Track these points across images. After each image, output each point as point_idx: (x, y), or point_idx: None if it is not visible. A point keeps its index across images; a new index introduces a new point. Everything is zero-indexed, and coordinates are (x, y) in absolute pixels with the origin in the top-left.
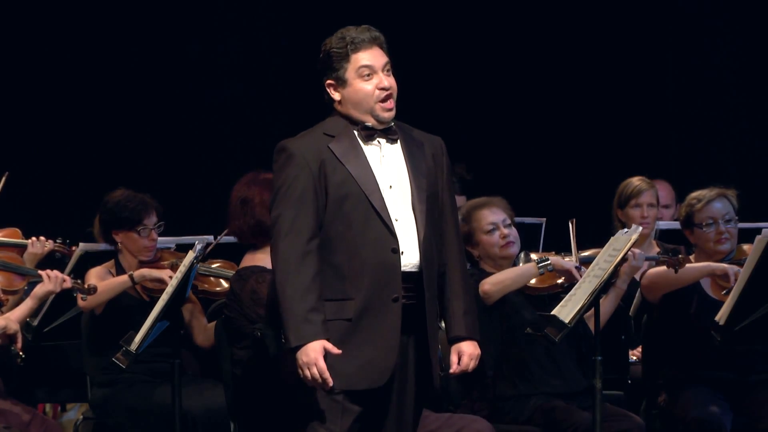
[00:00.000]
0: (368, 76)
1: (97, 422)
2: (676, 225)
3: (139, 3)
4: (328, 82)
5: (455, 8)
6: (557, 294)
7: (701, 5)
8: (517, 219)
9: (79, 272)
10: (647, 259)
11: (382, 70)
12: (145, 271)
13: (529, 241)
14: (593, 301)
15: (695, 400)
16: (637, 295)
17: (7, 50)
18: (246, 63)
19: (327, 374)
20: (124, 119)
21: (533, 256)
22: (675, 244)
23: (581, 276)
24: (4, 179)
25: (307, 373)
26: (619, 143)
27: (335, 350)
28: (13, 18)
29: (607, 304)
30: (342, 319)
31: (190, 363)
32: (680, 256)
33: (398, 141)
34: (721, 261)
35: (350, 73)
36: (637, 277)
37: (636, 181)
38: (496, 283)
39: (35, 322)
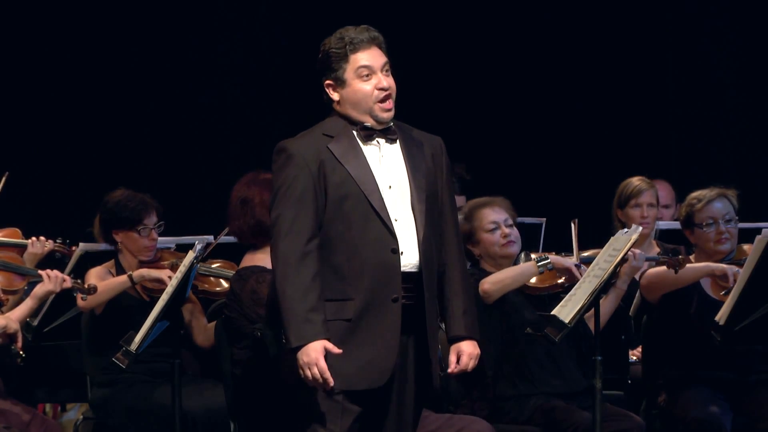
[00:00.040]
0: (367, 76)
1: (97, 422)
2: (676, 225)
3: (139, 3)
4: (327, 82)
5: (455, 8)
6: (557, 294)
7: (701, 5)
8: (518, 219)
9: (79, 272)
10: (647, 259)
11: (381, 71)
12: (144, 271)
13: (529, 241)
14: (593, 301)
15: (695, 400)
16: (637, 295)
17: (7, 50)
18: (246, 63)
19: (328, 374)
20: (124, 119)
21: (533, 256)
22: (675, 244)
23: (581, 274)
24: (4, 179)
25: (308, 373)
26: (619, 143)
27: (336, 350)
28: (13, 18)
29: (607, 305)
30: (342, 319)
31: (190, 363)
32: (680, 256)
33: (397, 141)
34: (722, 261)
35: (349, 73)
36: (636, 277)
37: (636, 181)
38: (495, 282)
39: (35, 322)
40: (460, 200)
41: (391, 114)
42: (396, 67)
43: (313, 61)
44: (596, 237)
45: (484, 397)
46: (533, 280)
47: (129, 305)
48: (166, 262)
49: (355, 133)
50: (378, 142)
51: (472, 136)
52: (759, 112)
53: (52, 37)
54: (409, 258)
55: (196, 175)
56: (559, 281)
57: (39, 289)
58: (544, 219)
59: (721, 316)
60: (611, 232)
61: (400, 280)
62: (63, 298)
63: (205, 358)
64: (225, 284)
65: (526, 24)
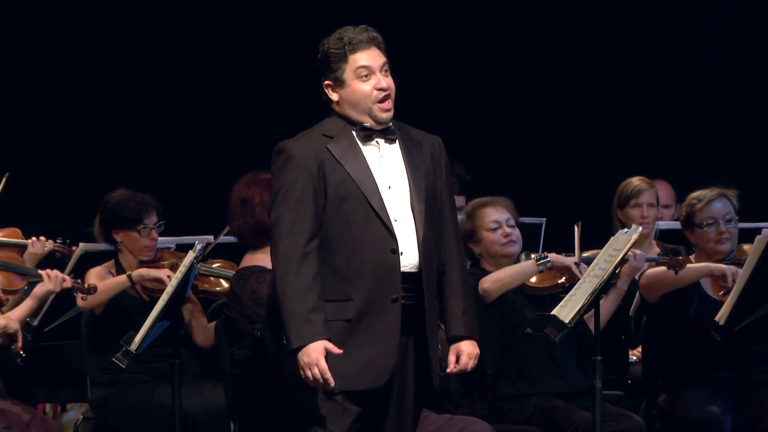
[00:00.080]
0: (366, 76)
1: (97, 422)
2: (676, 225)
3: (139, 3)
4: (326, 82)
5: (455, 8)
6: (557, 294)
7: (701, 6)
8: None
9: (79, 272)
10: (648, 260)
11: (380, 71)
12: (144, 271)
13: (529, 241)
14: (593, 301)
15: (695, 400)
16: (637, 295)
17: (7, 50)
18: (246, 63)
19: (328, 375)
20: (124, 119)
21: (533, 256)
22: (675, 244)
23: (581, 273)
24: (4, 180)
25: (309, 373)
26: (619, 143)
27: (336, 350)
28: (13, 18)
29: (607, 305)
30: (341, 319)
31: (190, 363)
32: (681, 257)
33: (397, 141)
34: (722, 261)
35: (348, 73)
36: (636, 277)
37: (636, 181)
38: (495, 280)
39: (35, 322)
40: (459, 200)
41: (390, 114)
42: (395, 67)
43: (313, 61)
44: (596, 237)
45: (484, 397)
46: (533, 279)
47: (129, 305)
48: (166, 262)
49: (354, 133)
50: (377, 143)
51: (472, 136)
52: (759, 112)
53: (52, 38)
54: (409, 258)
55: (196, 175)
56: (560, 281)
57: (39, 289)
58: (544, 219)
59: (721, 316)
60: (611, 232)
61: (399, 281)
62: (63, 298)
63: (205, 358)
64: (225, 284)
65: (526, 24)
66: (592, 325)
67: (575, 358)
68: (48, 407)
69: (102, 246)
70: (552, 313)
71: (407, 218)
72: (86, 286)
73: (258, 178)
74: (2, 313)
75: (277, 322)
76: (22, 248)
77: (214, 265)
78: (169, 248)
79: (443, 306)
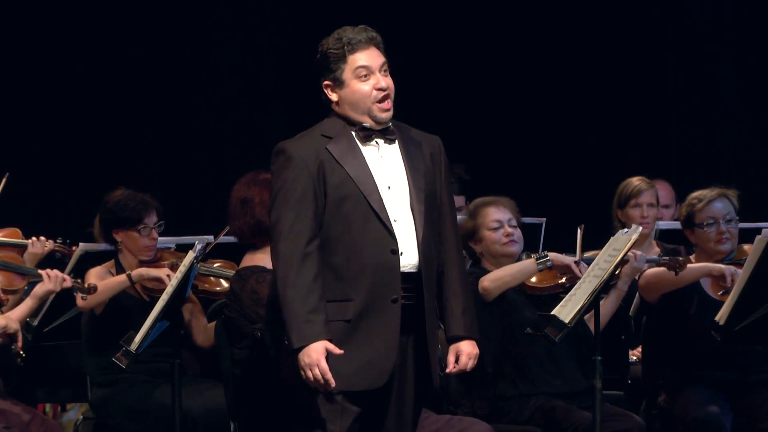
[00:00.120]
0: (365, 76)
1: (97, 422)
2: (676, 225)
3: (139, 3)
4: (326, 82)
5: (454, 8)
6: (557, 294)
7: (701, 5)
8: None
9: (79, 272)
10: (648, 261)
11: (380, 71)
12: (143, 271)
13: (528, 241)
14: (593, 301)
15: (695, 400)
16: (636, 295)
17: (7, 50)
18: (245, 63)
19: (329, 375)
20: (125, 119)
21: (533, 256)
22: (675, 244)
23: (581, 271)
24: (4, 180)
25: (309, 374)
26: (619, 143)
27: (337, 351)
28: (13, 18)
29: (607, 305)
30: (341, 320)
31: (190, 363)
32: (681, 258)
33: (396, 141)
34: (722, 261)
35: (347, 73)
36: (636, 277)
37: (636, 181)
38: (495, 279)
39: (35, 322)
40: (459, 200)
41: (389, 114)
42: (395, 67)
43: (312, 61)
44: (596, 237)
45: (484, 397)
46: (534, 279)
47: (129, 305)
48: (166, 262)
49: (353, 133)
50: (377, 143)
51: (472, 136)
52: (759, 112)
53: (52, 38)
54: (409, 258)
55: (196, 175)
56: (560, 281)
57: (39, 289)
58: (544, 219)
59: (721, 316)
60: (611, 232)
61: (399, 281)
62: (63, 298)
63: (205, 358)
64: (225, 284)
65: (526, 24)
66: (592, 326)
67: (575, 358)
68: (48, 407)
69: (102, 246)
70: (552, 313)
71: (407, 218)
72: (86, 285)
73: (258, 178)
74: (2, 312)
75: (277, 322)
76: (22, 248)
77: (214, 265)
78: (169, 248)
79: (443, 306)
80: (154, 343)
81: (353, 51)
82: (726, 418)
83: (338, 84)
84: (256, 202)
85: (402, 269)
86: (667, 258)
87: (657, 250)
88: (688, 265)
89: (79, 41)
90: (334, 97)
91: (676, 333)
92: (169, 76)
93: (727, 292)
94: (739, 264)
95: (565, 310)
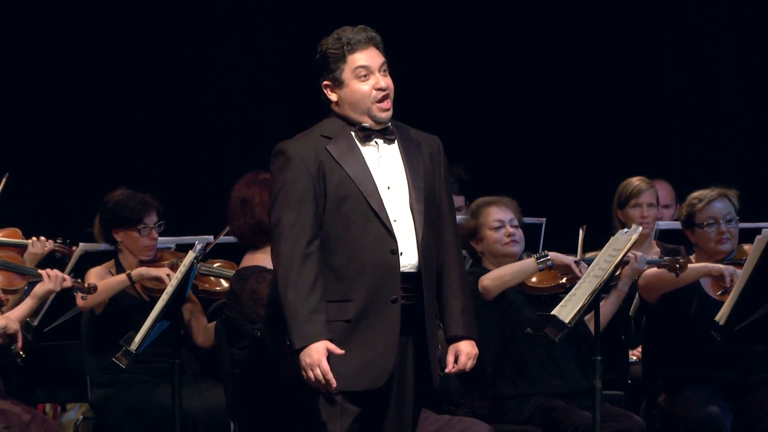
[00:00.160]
0: (365, 76)
1: (97, 422)
2: (676, 225)
3: (139, 3)
4: (325, 83)
5: (454, 8)
6: (557, 294)
7: (702, 5)
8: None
9: (79, 272)
10: (649, 262)
11: (379, 71)
12: (143, 270)
13: (528, 241)
14: (593, 301)
15: (695, 400)
16: (636, 295)
17: (7, 50)
18: (245, 63)
19: (330, 375)
20: (125, 119)
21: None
22: (675, 244)
23: (581, 271)
24: (4, 180)
25: (311, 374)
26: (619, 143)
27: (338, 351)
28: (13, 18)
29: (608, 306)
30: (341, 320)
31: (190, 363)
32: (682, 260)
33: (395, 141)
34: (722, 261)
35: (347, 73)
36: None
37: (636, 181)
38: (495, 278)
39: (35, 322)
40: (458, 200)
41: (389, 114)
42: (394, 66)
43: (312, 61)
44: (596, 238)
45: (484, 397)
46: (534, 279)
47: (129, 305)
48: (166, 262)
49: (353, 133)
50: (376, 143)
51: (472, 136)
52: (759, 112)
53: (52, 38)
54: (408, 258)
55: (196, 175)
56: (561, 281)
57: (39, 289)
58: (544, 219)
59: (721, 316)
60: (611, 232)
61: (399, 281)
62: (63, 298)
63: (205, 358)
64: (225, 284)
65: (526, 24)
66: (592, 326)
67: (575, 358)
68: (48, 407)
69: (102, 246)
70: (552, 313)
71: (406, 218)
72: (86, 285)
73: (258, 178)
74: (2, 312)
75: (278, 322)
76: (22, 248)
77: (214, 265)
78: (169, 248)
79: (442, 306)
80: (154, 343)
81: (353, 51)
82: (726, 418)
83: (338, 84)
84: (256, 202)
85: (402, 269)
86: (667, 259)
87: (657, 250)
88: (688, 265)
89: (79, 41)
90: (333, 97)
91: (676, 333)
92: (169, 76)
93: (726, 292)
94: (739, 264)
95: (565, 310)
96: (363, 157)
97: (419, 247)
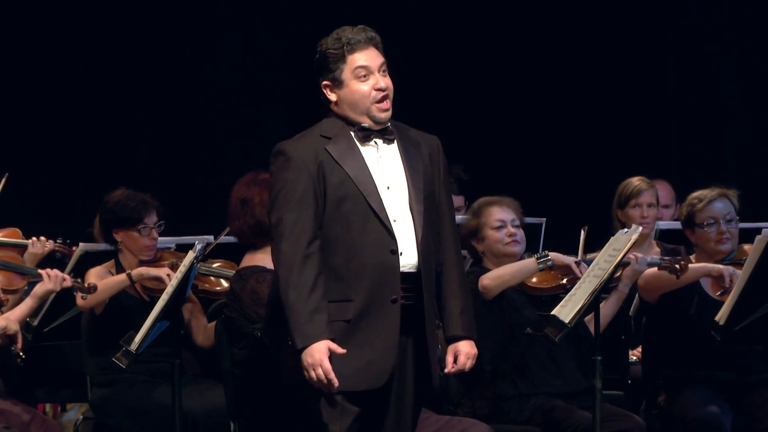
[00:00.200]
0: (364, 76)
1: (97, 422)
2: (676, 225)
3: (139, 3)
4: (325, 83)
5: (454, 8)
6: (558, 295)
7: (702, 6)
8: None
9: (79, 272)
10: (650, 264)
11: (379, 71)
12: (143, 270)
13: (528, 241)
14: (593, 301)
15: (695, 400)
16: (636, 295)
17: (7, 50)
18: (245, 63)
19: (332, 375)
20: (124, 119)
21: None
22: (675, 244)
23: (582, 272)
24: (4, 180)
25: (313, 374)
26: (619, 143)
27: (340, 350)
28: (13, 18)
29: (608, 308)
30: (341, 320)
31: (190, 363)
32: (682, 262)
33: (395, 141)
34: (722, 261)
35: (346, 73)
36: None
37: (636, 181)
38: (495, 277)
39: (35, 322)
40: (458, 200)
41: (388, 114)
42: (394, 67)
43: (312, 61)
44: (596, 238)
45: (484, 397)
46: (534, 279)
47: (129, 305)
48: (166, 262)
49: (352, 133)
50: (376, 143)
51: (472, 136)
52: (759, 112)
53: (52, 37)
54: (408, 258)
55: (196, 175)
56: (561, 282)
57: (39, 289)
58: (544, 219)
59: (721, 316)
60: (611, 233)
61: (399, 281)
62: (63, 298)
63: (205, 358)
64: (225, 284)
65: (525, 24)
66: (592, 327)
67: (575, 358)
68: (48, 407)
69: (102, 246)
70: (552, 313)
71: (406, 218)
72: (86, 285)
73: (258, 178)
74: (2, 312)
75: (277, 322)
76: (22, 248)
77: (214, 265)
78: (169, 248)
79: (441, 306)
80: (154, 343)
81: (352, 51)
82: (726, 418)
83: (337, 84)
84: (256, 202)
85: (401, 269)
86: (668, 261)
87: (657, 250)
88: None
89: (79, 41)
90: (333, 97)
91: (676, 333)
92: (169, 76)
93: (726, 292)
94: (739, 264)
95: (565, 310)
96: (362, 157)
97: (419, 247)
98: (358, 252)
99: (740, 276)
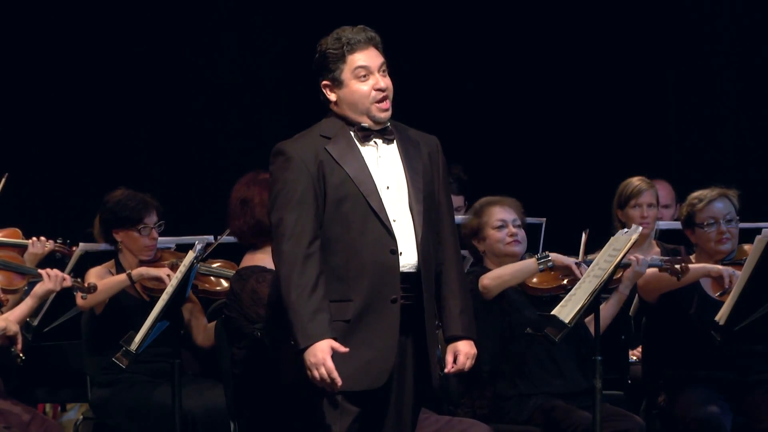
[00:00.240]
0: (364, 77)
1: (97, 422)
2: (676, 225)
3: (139, 3)
4: (324, 82)
5: (454, 8)
6: (558, 295)
7: (702, 6)
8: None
9: (79, 272)
10: (650, 265)
11: (378, 71)
12: (143, 270)
13: (529, 241)
14: (593, 301)
15: (695, 400)
16: (636, 295)
17: (7, 50)
18: (245, 63)
19: (335, 374)
20: (124, 119)
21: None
22: (675, 244)
23: (582, 272)
24: (4, 180)
25: (315, 373)
26: (619, 143)
27: (342, 349)
28: (13, 18)
29: (609, 309)
30: (341, 320)
31: (190, 363)
32: (683, 263)
33: (394, 141)
34: (722, 261)
35: (346, 73)
36: None
37: (636, 181)
38: (495, 277)
39: (35, 322)
40: (457, 200)
41: (388, 114)
42: (394, 67)
43: (312, 62)
44: (597, 238)
45: (483, 397)
46: (535, 280)
47: (129, 305)
48: (166, 262)
49: (352, 133)
50: (375, 143)
51: (472, 136)
52: (759, 112)
53: (52, 38)
54: (408, 258)
55: (196, 175)
56: (562, 282)
57: (39, 288)
58: (544, 219)
59: (721, 316)
60: (611, 233)
61: (398, 281)
62: (63, 298)
63: (205, 358)
64: (225, 284)
65: (525, 24)
66: (592, 327)
67: (575, 358)
68: (48, 407)
69: (102, 246)
70: (552, 313)
71: (406, 218)
72: (86, 285)
73: (258, 178)
74: (2, 312)
75: (278, 322)
76: (22, 248)
77: (214, 265)
78: (169, 248)
79: (441, 306)
80: (154, 343)
81: (352, 51)
82: (726, 418)
83: (337, 84)
84: (256, 202)
85: (401, 269)
86: (669, 263)
87: (657, 250)
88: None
89: (79, 41)
90: (332, 97)
91: (676, 333)
92: (169, 76)
93: (726, 292)
94: (739, 264)
95: (565, 310)
96: (362, 157)
97: (418, 247)
98: (358, 252)
99: (740, 276)
